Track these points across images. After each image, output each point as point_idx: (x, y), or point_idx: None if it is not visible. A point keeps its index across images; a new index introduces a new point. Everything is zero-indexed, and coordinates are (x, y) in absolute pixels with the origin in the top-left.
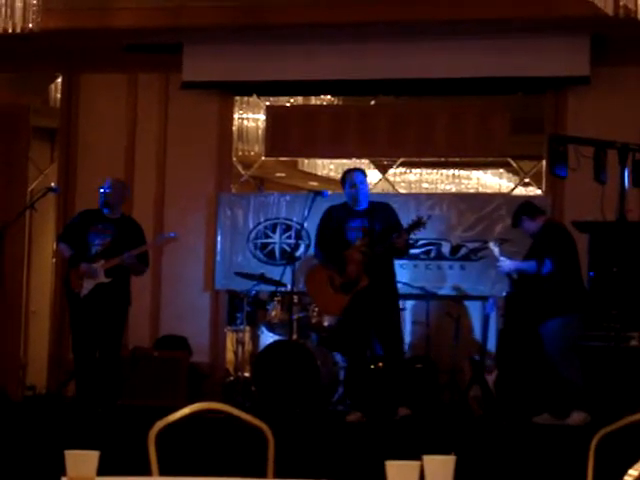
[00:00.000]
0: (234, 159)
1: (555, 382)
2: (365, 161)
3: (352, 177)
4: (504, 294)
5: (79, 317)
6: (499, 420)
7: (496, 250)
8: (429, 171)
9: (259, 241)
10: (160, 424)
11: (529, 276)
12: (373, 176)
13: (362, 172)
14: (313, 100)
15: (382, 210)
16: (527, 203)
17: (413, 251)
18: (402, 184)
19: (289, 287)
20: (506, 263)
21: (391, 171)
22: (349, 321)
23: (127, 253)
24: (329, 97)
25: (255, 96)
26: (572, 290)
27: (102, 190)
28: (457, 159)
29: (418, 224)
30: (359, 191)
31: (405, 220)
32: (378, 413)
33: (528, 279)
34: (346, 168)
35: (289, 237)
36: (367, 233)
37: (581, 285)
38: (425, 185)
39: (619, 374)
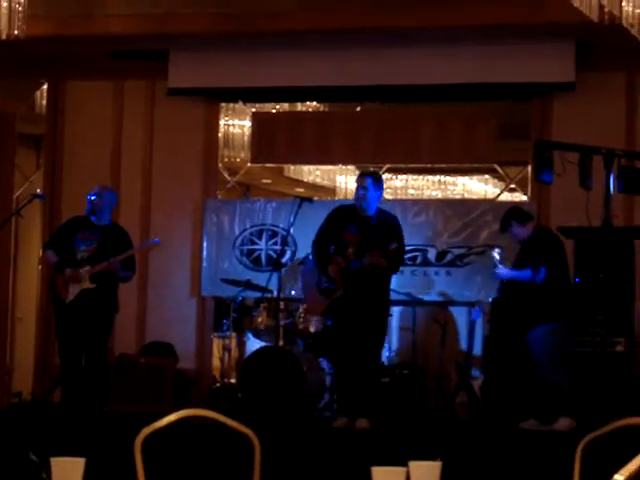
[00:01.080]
0: (220, 165)
1: (541, 388)
2: (351, 167)
3: (358, 180)
4: (490, 300)
5: (65, 323)
6: (485, 426)
7: (497, 257)
8: (415, 177)
9: (245, 247)
10: (146, 431)
11: (518, 282)
12: None
13: (371, 177)
14: (299, 106)
15: (384, 224)
16: (516, 208)
17: None
18: (388, 190)
19: (275, 293)
20: (503, 271)
21: None
22: (333, 327)
23: (112, 259)
24: (315, 103)
25: (241, 102)
26: (562, 297)
27: (89, 197)
28: (443, 165)
29: (386, 250)
30: (359, 196)
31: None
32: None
33: (516, 284)
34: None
35: (275, 243)
36: (357, 243)
37: (571, 292)
38: (411, 191)
39: (605, 379)
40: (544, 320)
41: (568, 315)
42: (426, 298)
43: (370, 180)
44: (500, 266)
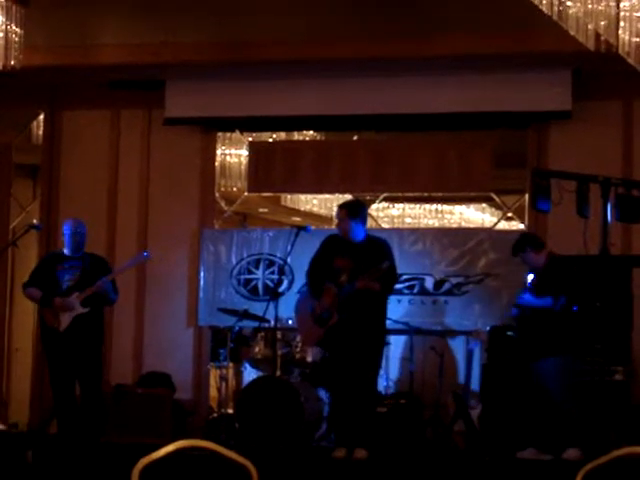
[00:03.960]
0: (217, 195)
1: (547, 416)
2: (348, 196)
3: (337, 213)
4: (488, 328)
5: (59, 352)
6: (483, 455)
7: (529, 282)
8: (412, 206)
9: (242, 277)
10: (144, 461)
11: (536, 310)
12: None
13: (345, 208)
14: (296, 135)
15: (373, 248)
16: (532, 235)
17: (397, 286)
18: (385, 219)
19: (272, 323)
20: (528, 297)
21: (374, 206)
22: (329, 356)
23: (103, 278)
24: (311, 132)
25: (237, 132)
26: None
27: (79, 230)
28: (440, 194)
29: (378, 271)
30: (339, 228)
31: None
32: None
33: (538, 313)
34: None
35: (272, 272)
36: (349, 269)
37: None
38: (408, 220)
39: (604, 408)
40: (564, 349)
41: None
42: (423, 327)
43: (345, 212)
44: (528, 293)
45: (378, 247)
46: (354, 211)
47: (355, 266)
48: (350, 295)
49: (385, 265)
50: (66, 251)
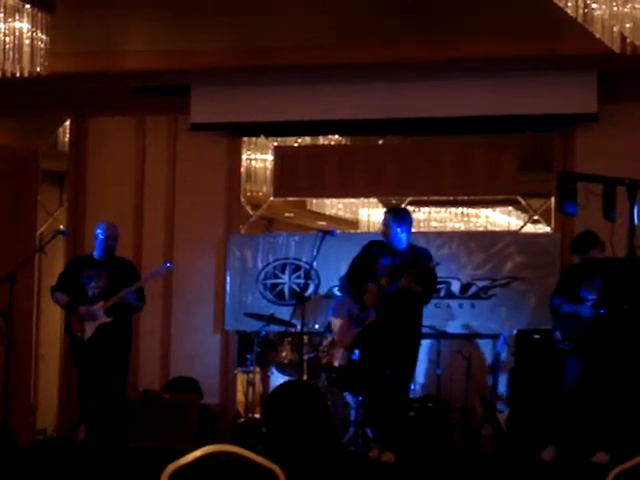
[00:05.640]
0: (243, 200)
1: (577, 420)
2: (373, 200)
3: (384, 218)
4: (515, 332)
5: (84, 360)
6: (511, 459)
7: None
8: (438, 210)
9: (268, 281)
10: (172, 467)
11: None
12: (381, 215)
13: (389, 214)
14: (321, 140)
15: (415, 254)
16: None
17: None
18: None
19: (299, 327)
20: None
21: None
22: (364, 355)
23: (126, 289)
24: (337, 137)
25: (263, 137)
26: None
27: (111, 234)
28: (466, 197)
29: (425, 269)
30: (384, 232)
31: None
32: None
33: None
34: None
35: (298, 277)
36: (392, 272)
37: None
38: (434, 224)
39: (632, 411)
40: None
41: None
42: (450, 331)
43: (390, 217)
44: None
45: (420, 254)
46: (399, 217)
47: (397, 270)
48: (392, 295)
49: (433, 264)
50: (96, 254)
